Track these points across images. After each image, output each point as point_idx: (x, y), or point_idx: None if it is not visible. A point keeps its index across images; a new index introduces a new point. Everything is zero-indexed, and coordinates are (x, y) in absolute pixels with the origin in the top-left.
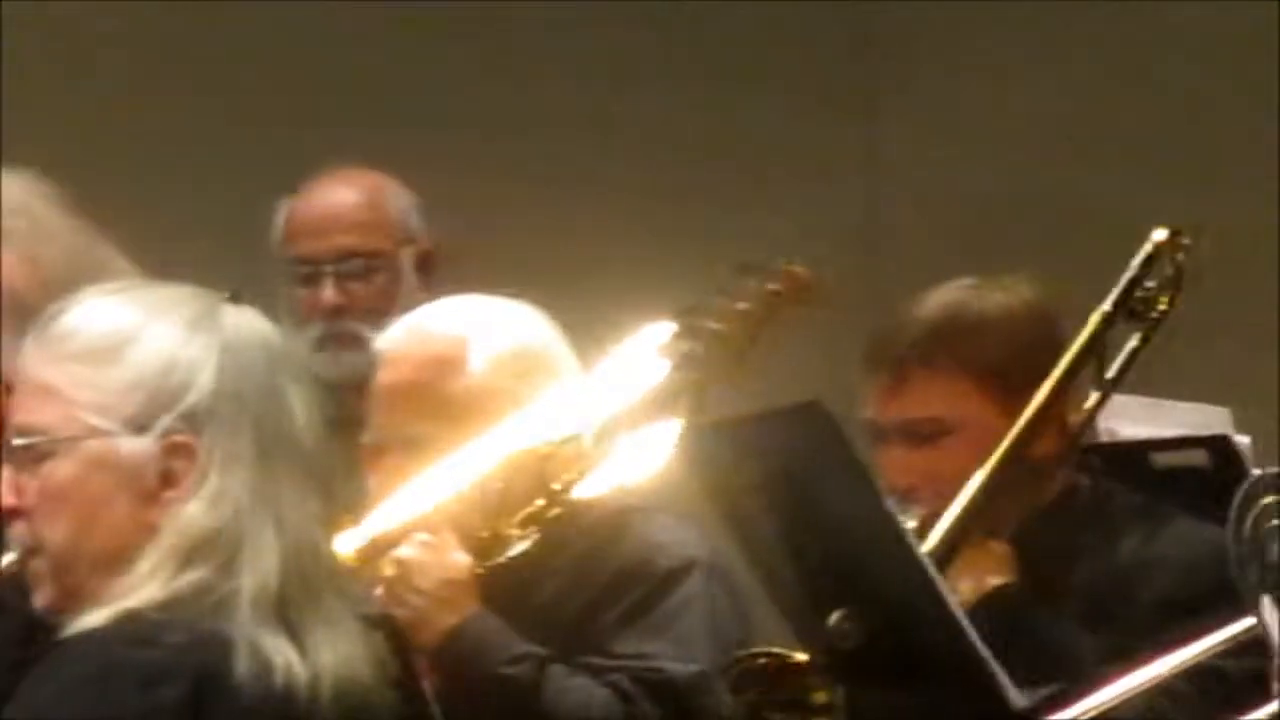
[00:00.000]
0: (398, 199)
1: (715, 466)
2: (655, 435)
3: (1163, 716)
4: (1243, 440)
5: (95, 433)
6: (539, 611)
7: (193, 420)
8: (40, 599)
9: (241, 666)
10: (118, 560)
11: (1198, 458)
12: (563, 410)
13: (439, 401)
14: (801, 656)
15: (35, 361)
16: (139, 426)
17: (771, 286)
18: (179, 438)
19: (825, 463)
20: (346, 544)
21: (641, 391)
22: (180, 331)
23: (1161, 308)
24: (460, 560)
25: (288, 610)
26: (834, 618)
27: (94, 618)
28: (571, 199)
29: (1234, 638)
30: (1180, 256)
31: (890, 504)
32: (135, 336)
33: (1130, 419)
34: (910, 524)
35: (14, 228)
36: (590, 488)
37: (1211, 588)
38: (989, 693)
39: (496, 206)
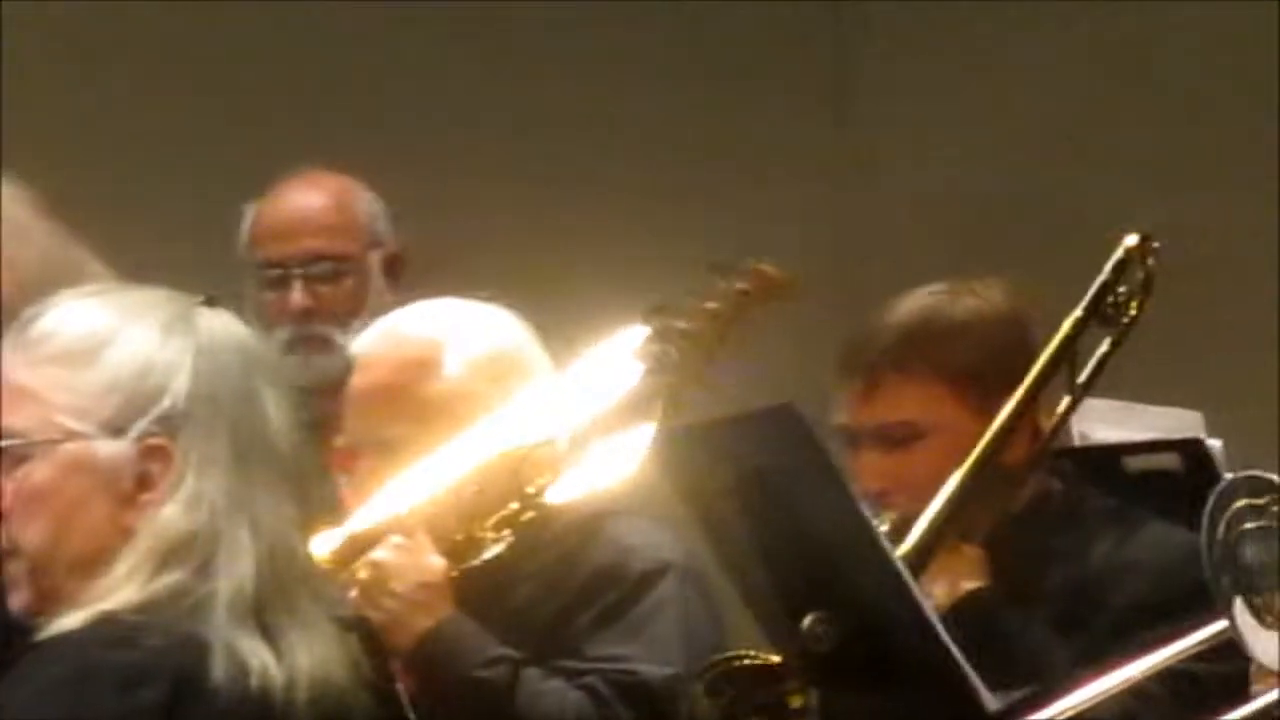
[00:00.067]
0: (365, 202)
1: (689, 469)
2: (629, 439)
3: (1135, 719)
4: (1214, 444)
5: (72, 435)
6: (513, 614)
7: (169, 423)
8: (17, 601)
9: (218, 669)
10: (94, 563)
11: (1170, 461)
12: (537, 413)
13: (414, 404)
14: (778, 659)
15: (11, 364)
16: (115, 429)
17: (740, 286)
18: (155, 441)
19: (799, 465)
20: (322, 546)
21: (616, 395)
22: (156, 334)
23: (1132, 312)
24: (435, 563)
25: (264, 613)
26: (808, 621)
27: (71, 620)
28: (542, 201)
29: (1206, 641)
30: (1151, 261)
31: (864, 506)
32: (111, 339)
33: (1102, 422)
34: (884, 528)
35: None
36: (564, 491)
37: (1184, 592)
38: (962, 696)
39: (471, 209)
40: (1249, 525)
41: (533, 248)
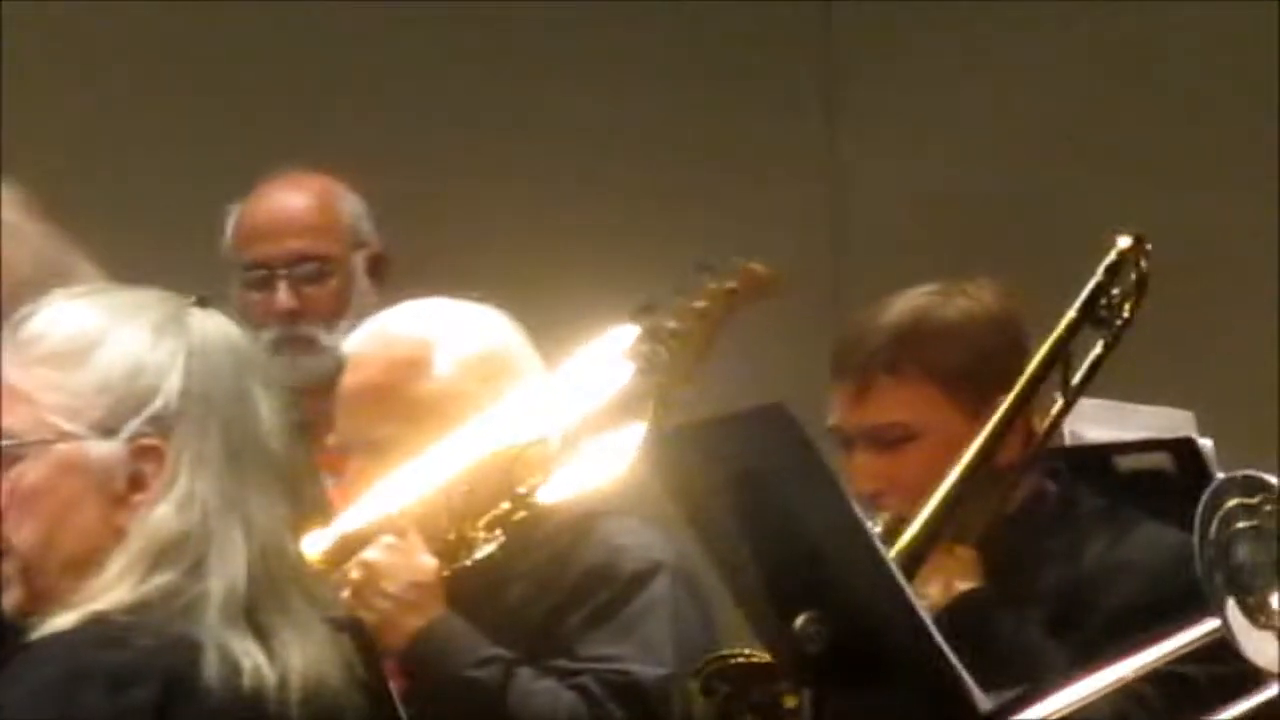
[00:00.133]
0: (348, 203)
1: (680, 469)
2: (620, 438)
3: (1129, 717)
4: (1206, 443)
5: (64, 436)
6: (505, 614)
7: (161, 423)
8: (8, 601)
9: (210, 669)
10: (86, 563)
11: (1161, 460)
12: (528, 413)
13: (404, 404)
14: (773, 659)
15: (3, 365)
16: (107, 430)
17: (729, 285)
18: (147, 441)
19: (789, 465)
20: (313, 546)
21: (606, 394)
22: (147, 335)
23: (1126, 314)
24: (427, 563)
25: (256, 613)
26: (800, 621)
27: (62, 620)
28: (535, 202)
29: (1198, 640)
30: (1144, 264)
31: (856, 506)
32: (102, 340)
33: (1094, 421)
34: (877, 529)
35: None
36: (556, 491)
37: (1177, 593)
38: (955, 696)
39: (464, 209)
40: (1241, 525)
41: (526, 247)
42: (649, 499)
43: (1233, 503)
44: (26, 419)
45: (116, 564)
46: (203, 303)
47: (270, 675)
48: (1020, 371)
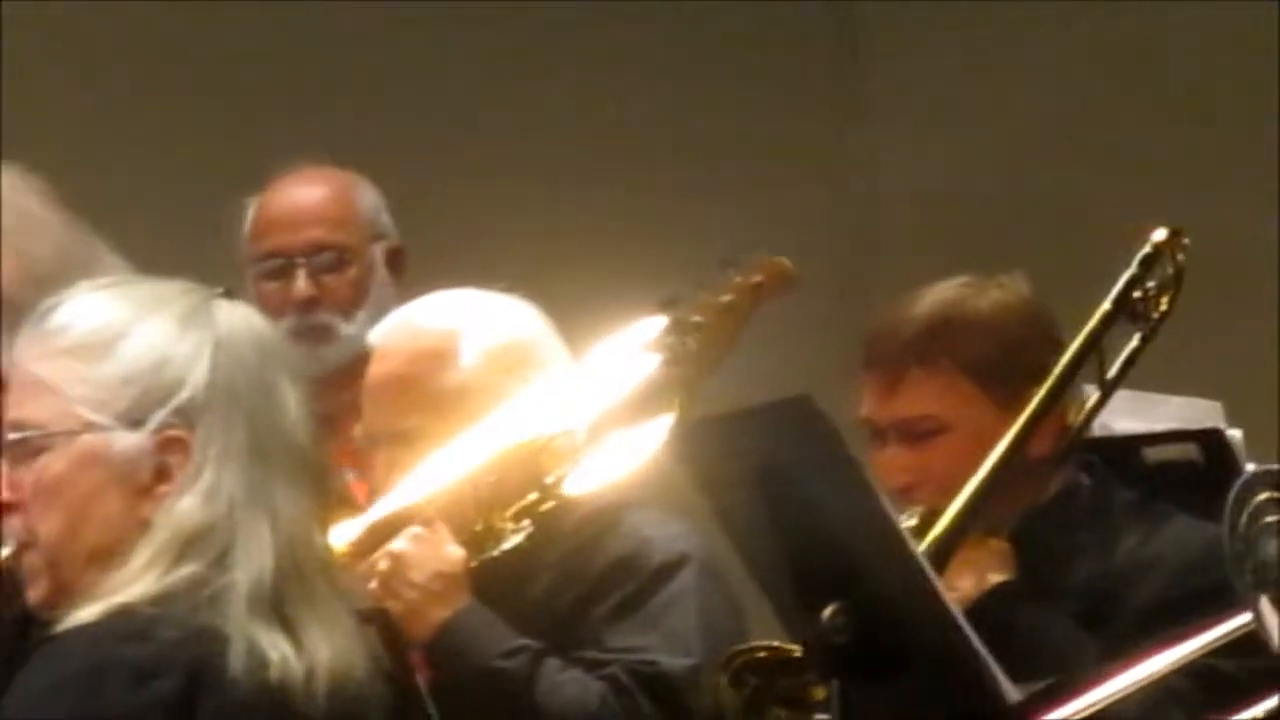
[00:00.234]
0: (366, 195)
1: (706, 461)
2: (646, 430)
3: (1160, 713)
4: (1235, 434)
5: (89, 427)
6: (531, 605)
7: (187, 415)
8: (34, 594)
9: (236, 661)
10: (111, 555)
11: (1190, 452)
12: (554, 404)
13: (430, 395)
14: (801, 651)
15: (28, 357)
16: (133, 421)
17: (755, 279)
18: (173, 432)
19: (816, 456)
20: (340, 538)
21: (632, 386)
22: (173, 327)
23: (1162, 308)
24: (454, 553)
25: (283, 605)
26: (827, 612)
27: (87, 612)
28: (558, 196)
29: (1229, 635)
30: (1180, 257)
31: (881, 497)
32: (127, 332)
33: (1122, 413)
34: (910, 522)
35: (3, 223)
36: (582, 482)
37: (1208, 589)
38: (983, 687)
39: (486, 201)
40: (1271, 519)
41: (549, 243)
42: (675, 491)
43: (1262, 497)
44: (51, 410)
45: (141, 556)
46: (228, 294)
47: (297, 667)
48: (1052, 365)
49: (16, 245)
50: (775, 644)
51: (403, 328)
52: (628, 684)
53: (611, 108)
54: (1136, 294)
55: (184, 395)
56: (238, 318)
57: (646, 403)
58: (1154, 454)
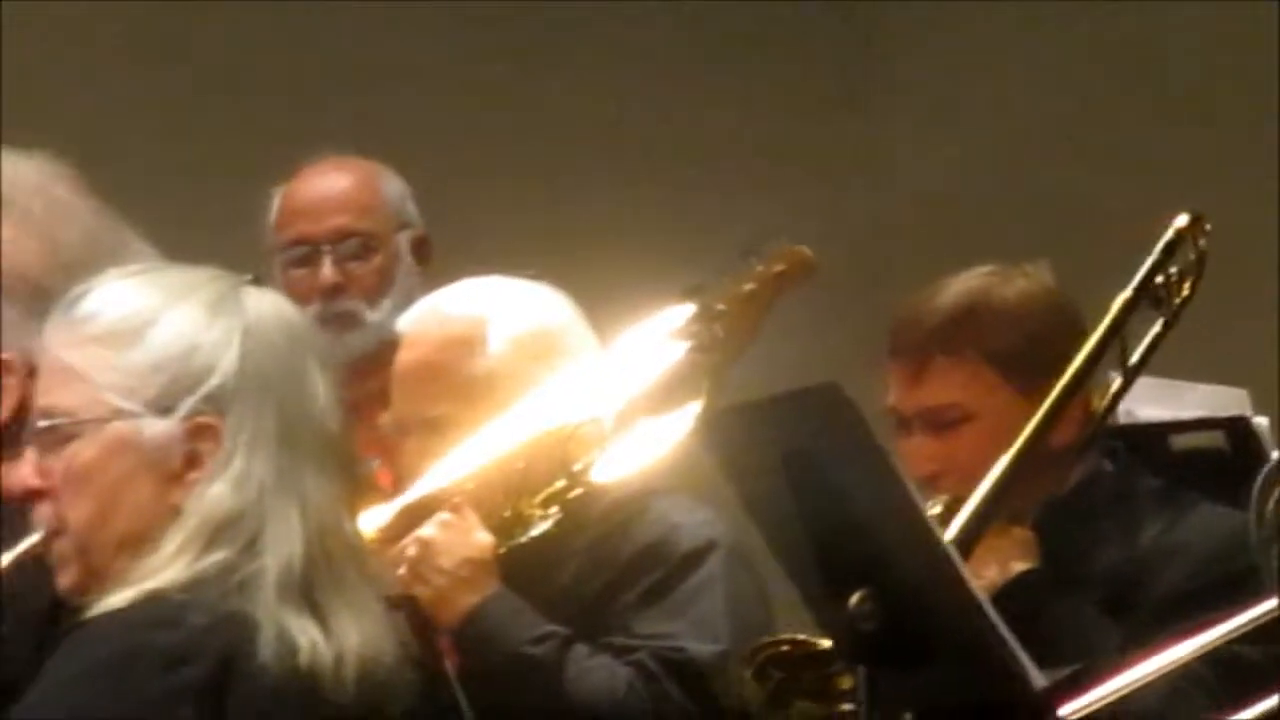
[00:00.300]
0: (391, 183)
1: (733, 448)
2: (673, 417)
3: (1184, 700)
4: (1261, 421)
5: (119, 414)
6: (559, 591)
7: (217, 402)
8: (64, 580)
9: (265, 647)
10: (141, 541)
11: (1216, 439)
12: (582, 391)
13: (459, 382)
14: (825, 644)
15: (57, 344)
16: (163, 408)
17: (776, 268)
18: (203, 419)
19: (844, 444)
20: (369, 524)
21: (660, 373)
22: (202, 314)
23: (1184, 294)
24: (483, 540)
25: (312, 591)
26: (854, 599)
27: (117, 599)
28: (583, 189)
29: (1255, 622)
30: (1202, 243)
31: (909, 484)
32: (156, 319)
33: (1148, 401)
34: (934, 511)
35: (32, 209)
36: (610, 469)
37: (1232, 576)
38: (1010, 674)
39: (512, 191)
40: None
41: (564, 236)
42: (702, 478)
43: None
44: (81, 397)
45: (172, 542)
46: (257, 281)
47: (327, 653)
48: (1076, 354)
49: (45, 232)
50: (798, 637)
51: (431, 315)
52: (655, 670)
53: (636, 105)
54: (1158, 280)
55: (213, 382)
56: (267, 304)
57: (674, 390)
58: (1180, 441)
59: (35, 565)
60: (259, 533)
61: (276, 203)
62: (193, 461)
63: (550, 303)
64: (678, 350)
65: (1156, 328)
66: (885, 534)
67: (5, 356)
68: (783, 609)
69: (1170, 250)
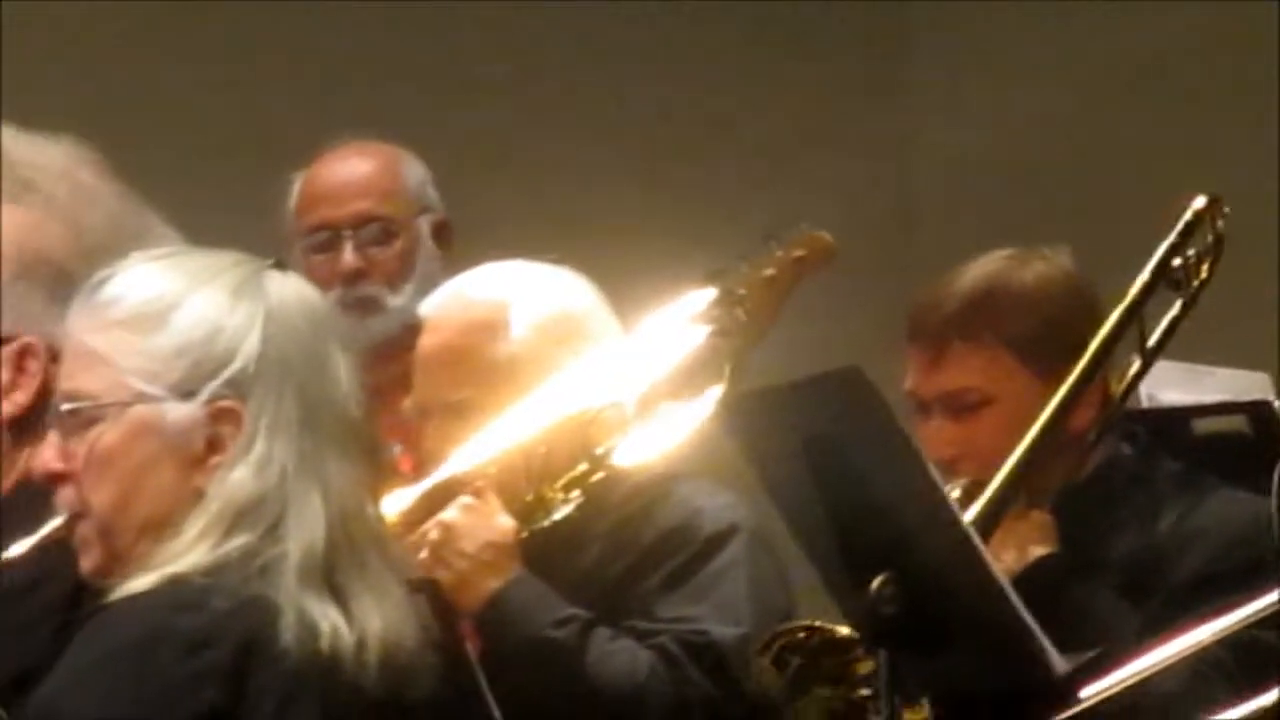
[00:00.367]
0: (412, 168)
1: (755, 432)
2: (695, 401)
3: (1203, 685)
4: None
5: (142, 398)
6: (581, 575)
7: (239, 386)
8: (86, 563)
9: (287, 631)
10: (164, 525)
11: (1238, 423)
12: (605, 375)
13: (481, 366)
14: (845, 630)
15: (81, 328)
16: (185, 392)
17: (797, 253)
18: (225, 403)
19: (866, 428)
20: (391, 508)
21: (681, 358)
22: (225, 298)
23: (1203, 275)
24: (505, 523)
25: (334, 575)
26: (876, 583)
27: (140, 583)
28: (607, 172)
29: (1273, 607)
30: (1220, 224)
31: (930, 468)
32: (179, 303)
33: (1170, 385)
34: (954, 494)
35: (56, 194)
36: (632, 453)
37: (1251, 561)
38: (1031, 658)
39: (537, 175)
40: None
41: (587, 220)
42: (724, 462)
43: None
44: (104, 381)
45: (194, 526)
46: (279, 266)
47: (348, 637)
48: (1094, 338)
49: (69, 216)
50: (816, 623)
51: (454, 299)
52: (677, 654)
53: (660, 89)
54: (1176, 261)
55: (236, 366)
56: (289, 289)
57: (695, 374)
58: (1203, 426)
59: (58, 549)
60: (281, 517)
61: (297, 188)
62: (215, 446)
63: (573, 287)
64: (699, 334)
65: (1175, 310)
66: (907, 518)
67: (29, 340)
68: (804, 593)
69: (1188, 232)
